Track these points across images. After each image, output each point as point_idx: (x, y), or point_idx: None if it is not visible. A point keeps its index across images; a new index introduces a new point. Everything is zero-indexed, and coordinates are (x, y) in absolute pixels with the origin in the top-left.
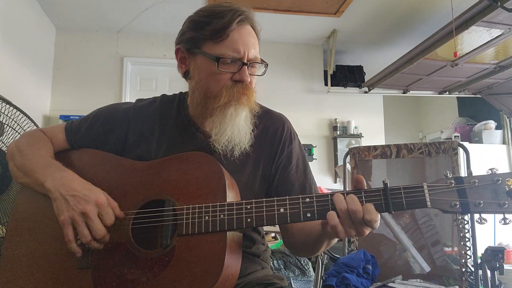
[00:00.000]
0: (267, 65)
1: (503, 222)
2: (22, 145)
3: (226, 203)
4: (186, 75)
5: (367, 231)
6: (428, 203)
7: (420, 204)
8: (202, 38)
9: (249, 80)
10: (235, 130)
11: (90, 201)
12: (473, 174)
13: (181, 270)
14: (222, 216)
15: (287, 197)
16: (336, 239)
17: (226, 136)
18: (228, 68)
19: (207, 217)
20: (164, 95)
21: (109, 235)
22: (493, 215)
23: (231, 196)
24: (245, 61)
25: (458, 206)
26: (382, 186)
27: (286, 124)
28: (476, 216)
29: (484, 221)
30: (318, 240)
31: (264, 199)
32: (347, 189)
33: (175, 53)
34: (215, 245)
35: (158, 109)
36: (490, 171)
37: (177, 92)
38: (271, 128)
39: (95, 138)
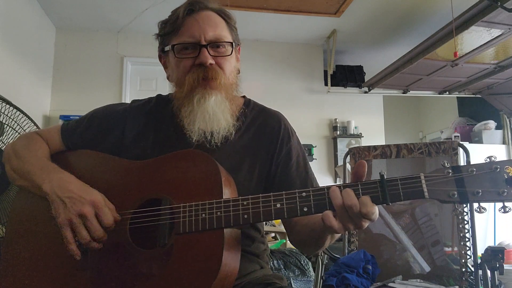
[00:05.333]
0: (232, 44)
1: (502, 210)
2: (18, 148)
3: (222, 200)
4: (168, 78)
5: (366, 224)
6: (426, 194)
7: (418, 194)
8: (166, 35)
9: (210, 61)
10: (207, 116)
11: (86, 202)
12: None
13: (180, 268)
14: (219, 213)
15: (283, 192)
16: (338, 235)
17: (197, 124)
18: (188, 54)
19: (204, 215)
20: (159, 95)
21: (107, 235)
22: (493, 212)
23: (228, 193)
24: (204, 43)
25: (456, 195)
26: (379, 178)
27: (283, 122)
28: (475, 205)
29: (483, 210)
30: (321, 235)
31: (260, 195)
32: None
33: (159, 61)
34: (213, 243)
35: (153, 109)
36: (488, 159)
37: None
38: (268, 126)
39: (91, 139)
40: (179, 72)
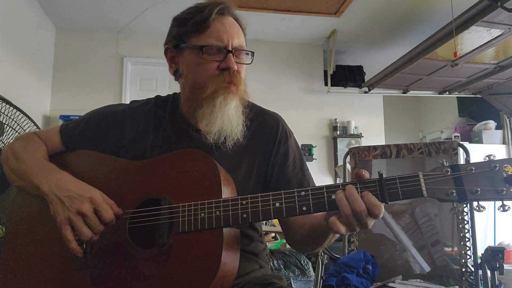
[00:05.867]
0: (253, 53)
1: (501, 209)
2: (16, 149)
3: (221, 199)
4: (176, 74)
5: (371, 222)
6: (424, 192)
7: (416, 193)
8: (187, 32)
9: (236, 67)
10: (226, 119)
11: (85, 199)
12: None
13: (179, 268)
14: (218, 212)
15: (282, 191)
16: (346, 234)
17: (216, 126)
18: (213, 57)
19: (203, 214)
20: (158, 96)
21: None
22: (493, 212)
23: (227, 192)
24: (230, 49)
25: (454, 194)
26: (378, 177)
27: (280, 123)
28: (474, 204)
29: (482, 208)
30: (323, 234)
31: (259, 194)
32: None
33: (164, 55)
34: (212, 242)
35: (152, 110)
36: (487, 158)
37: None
38: (266, 127)
39: (90, 139)
40: (200, 72)
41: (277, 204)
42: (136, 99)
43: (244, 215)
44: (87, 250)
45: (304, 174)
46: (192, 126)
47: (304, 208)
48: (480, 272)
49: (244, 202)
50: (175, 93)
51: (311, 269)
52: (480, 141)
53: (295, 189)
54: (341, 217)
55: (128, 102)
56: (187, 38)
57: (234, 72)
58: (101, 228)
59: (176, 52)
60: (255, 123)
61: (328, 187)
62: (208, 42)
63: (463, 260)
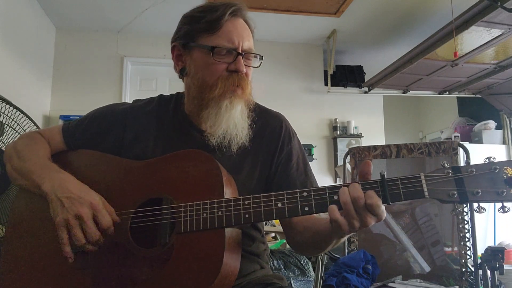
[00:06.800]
0: (262, 57)
1: (501, 210)
2: (19, 147)
3: (223, 199)
4: (182, 72)
5: (371, 220)
6: (426, 194)
7: (418, 194)
8: (197, 31)
9: (245, 70)
10: (231, 123)
11: (85, 203)
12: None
13: (180, 268)
14: (220, 212)
15: (285, 191)
16: (343, 238)
17: (221, 129)
18: (223, 59)
19: (205, 214)
20: (161, 95)
21: (104, 238)
22: (493, 212)
23: (229, 192)
24: (240, 51)
25: (456, 195)
26: (379, 178)
27: (284, 123)
28: (475, 205)
29: (483, 210)
30: (326, 238)
31: (261, 195)
32: None
33: (171, 52)
34: (213, 242)
35: (155, 109)
36: (487, 160)
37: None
38: (269, 127)
39: (92, 138)
40: (210, 73)
41: (279, 205)
42: (139, 98)
43: (246, 215)
44: (79, 254)
45: (308, 175)
46: (194, 126)
47: (307, 209)
48: (480, 272)
49: (246, 202)
50: (178, 93)
51: (311, 269)
52: (480, 141)
53: (297, 190)
54: (342, 208)
55: (129, 102)
56: (197, 37)
57: (242, 75)
58: (96, 235)
59: (184, 50)
60: (258, 123)
61: (330, 187)
62: (219, 43)
63: (463, 260)
